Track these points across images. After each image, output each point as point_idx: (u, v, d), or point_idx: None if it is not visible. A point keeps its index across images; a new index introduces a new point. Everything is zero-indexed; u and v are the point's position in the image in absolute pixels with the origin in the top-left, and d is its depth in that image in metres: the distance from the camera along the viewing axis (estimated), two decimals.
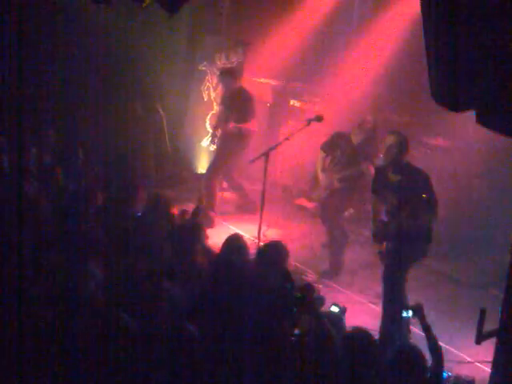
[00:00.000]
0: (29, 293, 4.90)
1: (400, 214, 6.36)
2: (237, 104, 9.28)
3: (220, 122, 9.61)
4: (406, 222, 6.31)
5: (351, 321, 5.76)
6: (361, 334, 4.83)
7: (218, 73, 10.26)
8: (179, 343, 4.57)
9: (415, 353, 4.65)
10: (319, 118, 7.78)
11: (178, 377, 4.46)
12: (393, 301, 6.43)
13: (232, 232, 7.26)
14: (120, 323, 4.59)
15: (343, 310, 5.73)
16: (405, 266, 6.52)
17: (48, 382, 4.37)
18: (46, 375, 4.36)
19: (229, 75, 9.50)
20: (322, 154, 8.25)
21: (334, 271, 8.15)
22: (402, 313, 5.69)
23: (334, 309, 5.72)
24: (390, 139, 6.50)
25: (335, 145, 8.15)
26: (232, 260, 5.74)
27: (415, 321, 5.51)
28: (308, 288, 5.28)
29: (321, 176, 8.23)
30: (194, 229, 6.26)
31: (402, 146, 6.47)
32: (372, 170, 7.67)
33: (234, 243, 6.16)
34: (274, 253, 5.93)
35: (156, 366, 4.47)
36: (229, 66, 10.44)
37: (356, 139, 7.96)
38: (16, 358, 4.24)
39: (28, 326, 4.45)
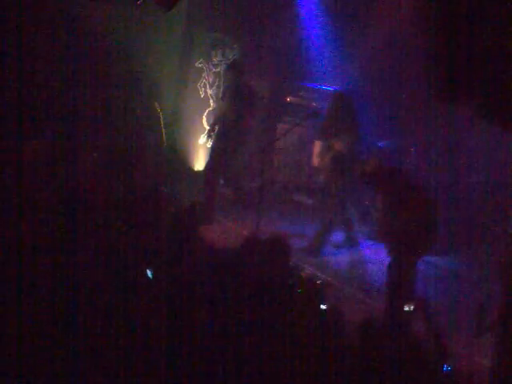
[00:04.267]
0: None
1: (405, 209, 6.41)
2: (238, 99, 9.26)
3: (219, 118, 9.61)
4: (411, 216, 6.37)
5: (349, 316, 5.74)
6: (369, 323, 4.82)
7: (223, 67, 10.31)
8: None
9: (418, 345, 4.64)
10: (316, 114, 7.80)
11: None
12: (397, 294, 6.47)
13: (229, 228, 7.25)
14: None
15: (332, 307, 5.65)
16: (411, 259, 6.56)
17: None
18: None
19: (237, 69, 9.45)
20: (317, 143, 8.33)
21: (315, 250, 8.21)
22: (405, 305, 5.68)
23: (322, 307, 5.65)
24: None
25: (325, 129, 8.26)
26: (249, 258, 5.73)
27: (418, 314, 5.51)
28: (309, 283, 5.29)
29: (317, 161, 8.30)
30: (191, 225, 6.23)
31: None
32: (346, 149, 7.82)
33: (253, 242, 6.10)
34: (274, 248, 5.92)
35: None
36: (236, 59, 10.42)
37: (333, 116, 8.07)
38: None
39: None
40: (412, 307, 5.41)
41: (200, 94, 11.03)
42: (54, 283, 4.88)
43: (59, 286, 4.80)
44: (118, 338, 4.52)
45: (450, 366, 5.43)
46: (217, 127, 9.62)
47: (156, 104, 10.47)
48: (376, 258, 8.06)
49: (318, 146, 8.33)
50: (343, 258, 8.46)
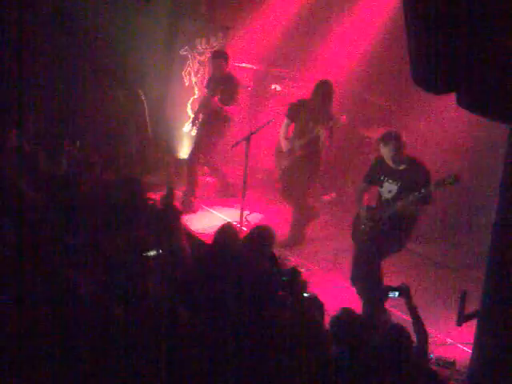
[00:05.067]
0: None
1: (394, 202, 6.42)
2: (222, 88, 9.23)
3: (203, 106, 9.59)
4: (398, 211, 6.38)
5: (333, 304, 5.76)
6: (348, 314, 4.84)
7: (208, 54, 10.27)
8: (170, 328, 4.52)
9: (402, 334, 4.66)
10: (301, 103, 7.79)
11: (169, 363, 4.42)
12: (370, 284, 6.51)
13: (213, 217, 7.24)
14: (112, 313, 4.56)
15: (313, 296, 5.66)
16: (383, 254, 6.59)
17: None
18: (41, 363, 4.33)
19: (221, 57, 9.41)
20: (286, 122, 8.31)
21: (292, 243, 8.21)
22: (384, 294, 5.70)
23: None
24: (384, 150, 6.53)
25: (298, 112, 8.21)
26: (227, 247, 5.73)
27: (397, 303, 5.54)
28: (294, 272, 5.32)
29: (283, 143, 8.30)
30: (169, 212, 6.20)
31: (398, 147, 6.48)
32: (325, 133, 7.78)
33: (229, 231, 6.09)
34: (260, 237, 5.93)
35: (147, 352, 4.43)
36: (220, 48, 10.38)
37: (315, 103, 8.00)
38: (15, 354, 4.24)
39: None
40: (397, 294, 5.44)
41: (185, 82, 10.98)
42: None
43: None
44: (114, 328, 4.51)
45: (430, 354, 5.49)
46: (201, 115, 9.61)
47: (140, 92, 10.42)
48: None
49: (288, 129, 8.33)
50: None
